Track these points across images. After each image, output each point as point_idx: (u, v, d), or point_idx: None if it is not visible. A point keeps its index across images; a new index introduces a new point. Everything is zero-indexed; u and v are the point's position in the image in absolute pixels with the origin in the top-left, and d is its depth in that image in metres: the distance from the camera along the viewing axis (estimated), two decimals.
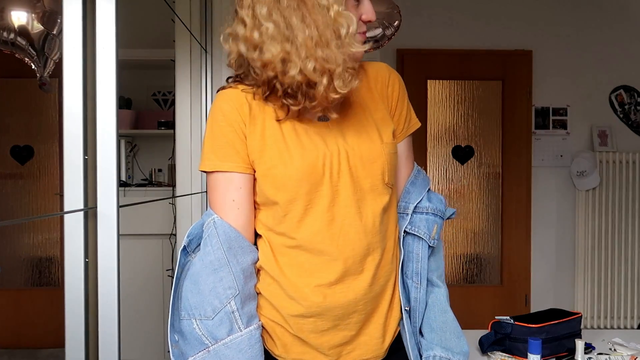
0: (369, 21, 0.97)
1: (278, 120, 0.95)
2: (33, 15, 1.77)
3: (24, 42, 1.84)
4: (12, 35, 1.81)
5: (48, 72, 1.95)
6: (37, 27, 1.80)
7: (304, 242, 0.94)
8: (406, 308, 1.02)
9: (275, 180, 0.93)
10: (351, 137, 0.97)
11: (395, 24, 2.34)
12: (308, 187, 0.93)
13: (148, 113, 3.39)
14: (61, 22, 1.79)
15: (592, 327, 3.72)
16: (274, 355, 1.00)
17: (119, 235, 1.03)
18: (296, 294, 0.95)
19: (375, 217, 0.96)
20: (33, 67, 1.93)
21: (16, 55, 1.91)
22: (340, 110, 0.98)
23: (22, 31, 1.81)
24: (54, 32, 1.82)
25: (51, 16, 1.78)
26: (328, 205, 0.94)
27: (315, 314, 0.95)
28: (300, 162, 0.92)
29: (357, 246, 0.95)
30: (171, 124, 2.81)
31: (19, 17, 1.69)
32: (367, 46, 0.94)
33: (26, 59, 1.90)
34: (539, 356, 1.39)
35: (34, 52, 1.88)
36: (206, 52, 2.09)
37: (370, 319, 0.99)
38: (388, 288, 1.00)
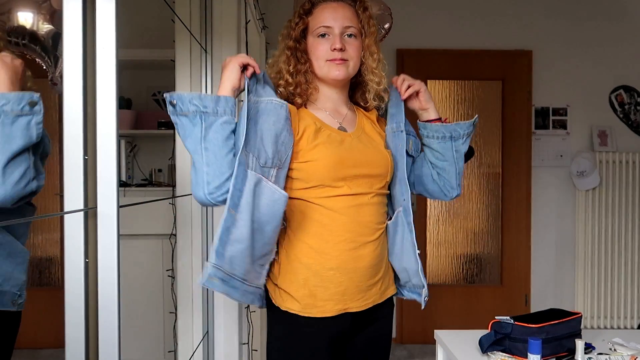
0: (338, 49, 1.25)
1: None
2: (42, 15, 1.77)
3: (34, 43, 1.84)
4: (23, 37, 1.81)
5: (59, 72, 1.95)
6: (46, 27, 1.80)
7: None
8: None
9: None
10: None
11: (386, 26, 2.34)
12: None
13: (148, 113, 3.38)
14: None
15: (592, 327, 3.72)
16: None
17: (119, 235, 1.03)
18: None
19: None
20: (44, 67, 1.93)
21: (27, 57, 1.91)
22: None
23: (32, 32, 1.81)
24: (63, 31, 1.83)
25: (59, 15, 1.79)
26: None
27: None
28: None
29: None
30: (171, 124, 2.81)
31: (26, 17, 1.69)
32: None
33: (37, 59, 1.90)
34: (539, 356, 1.39)
35: (44, 53, 1.88)
36: (206, 52, 2.09)
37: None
38: None
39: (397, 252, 1.31)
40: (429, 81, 3.77)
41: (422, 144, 1.40)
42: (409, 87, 1.35)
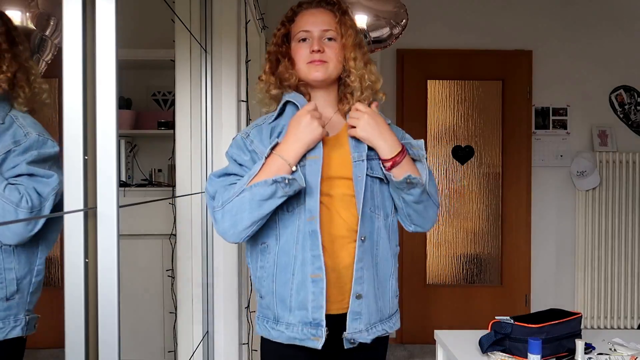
0: (316, 51, 1.30)
1: None
2: (27, 15, 1.77)
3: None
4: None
5: (40, 73, 1.95)
6: (29, 28, 1.80)
7: None
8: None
9: None
10: None
11: (403, 22, 2.35)
12: None
13: (148, 113, 3.38)
14: (54, 24, 1.79)
15: (592, 327, 3.72)
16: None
17: (119, 235, 1.03)
18: None
19: None
20: None
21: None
22: None
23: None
24: (47, 33, 1.82)
25: (44, 17, 1.78)
26: None
27: None
28: None
29: None
30: (171, 124, 2.81)
31: (12, 17, 1.69)
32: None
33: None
34: (539, 356, 1.39)
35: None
36: (206, 52, 2.09)
37: None
38: None
39: None
40: (429, 81, 3.78)
41: None
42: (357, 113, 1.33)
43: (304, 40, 1.33)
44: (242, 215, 1.21)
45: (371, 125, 1.27)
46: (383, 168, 1.28)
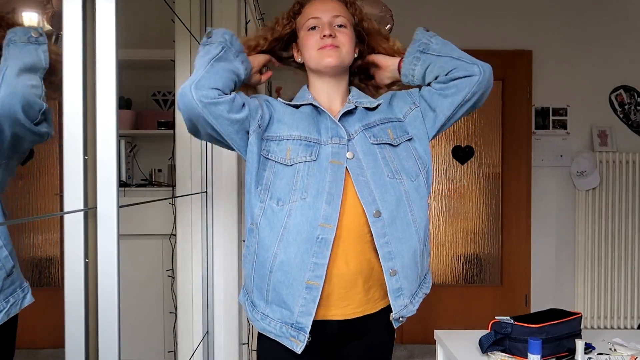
0: (327, 35, 1.25)
1: None
2: (43, 16, 1.77)
3: None
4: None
5: None
6: (46, 27, 1.80)
7: None
8: None
9: None
10: None
11: (387, 27, 2.34)
12: None
13: (148, 113, 3.38)
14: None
15: (592, 327, 3.72)
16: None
17: (119, 235, 1.03)
18: None
19: None
20: None
21: None
22: None
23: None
24: (62, 32, 1.83)
25: (59, 17, 1.79)
26: None
27: None
28: None
29: None
30: (171, 124, 2.81)
31: (30, 17, 1.69)
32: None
33: None
34: (539, 356, 1.39)
35: None
36: None
37: None
38: None
39: None
40: None
41: (419, 86, 1.38)
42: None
43: (313, 28, 1.28)
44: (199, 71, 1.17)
45: None
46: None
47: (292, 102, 1.30)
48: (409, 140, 1.30)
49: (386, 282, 1.20)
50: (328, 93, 1.31)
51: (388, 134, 1.27)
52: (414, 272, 1.24)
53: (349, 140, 1.23)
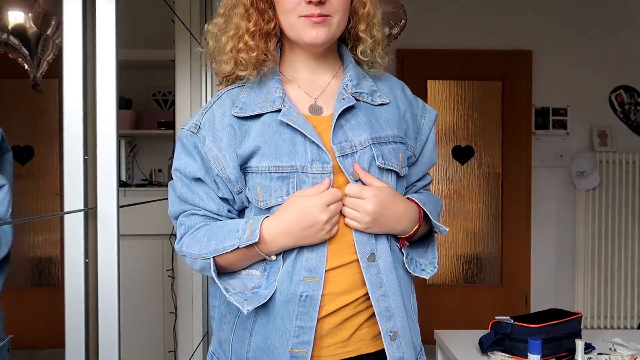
0: (315, 3, 0.87)
1: None
2: (29, 15, 1.77)
3: (17, 42, 1.84)
4: (5, 35, 1.81)
5: (41, 73, 1.96)
6: (31, 27, 1.80)
7: None
8: None
9: None
10: None
11: (401, 22, 2.34)
12: None
13: (148, 113, 3.39)
14: (55, 24, 1.79)
15: (592, 327, 3.72)
16: None
17: (119, 235, 1.03)
18: None
19: None
20: (26, 67, 1.93)
21: (9, 55, 1.91)
22: None
23: (16, 31, 1.81)
24: (48, 33, 1.82)
25: (46, 17, 1.78)
26: None
27: None
28: None
29: None
30: (171, 124, 2.81)
31: (15, 17, 1.69)
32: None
33: (19, 59, 1.91)
34: (539, 356, 1.39)
35: (27, 53, 1.88)
36: None
37: None
38: None
39: None
40: (428, 81, 3.78)
41: None
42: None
43: None
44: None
45: (381, 215, 0.89)
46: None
47: (248, 113, 0.91)
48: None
49: (385, 346, 0.92)
50: (310, 67, 0.97)
51: (398, 158, 0.95)
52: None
53: (350, 154, 0.90)
